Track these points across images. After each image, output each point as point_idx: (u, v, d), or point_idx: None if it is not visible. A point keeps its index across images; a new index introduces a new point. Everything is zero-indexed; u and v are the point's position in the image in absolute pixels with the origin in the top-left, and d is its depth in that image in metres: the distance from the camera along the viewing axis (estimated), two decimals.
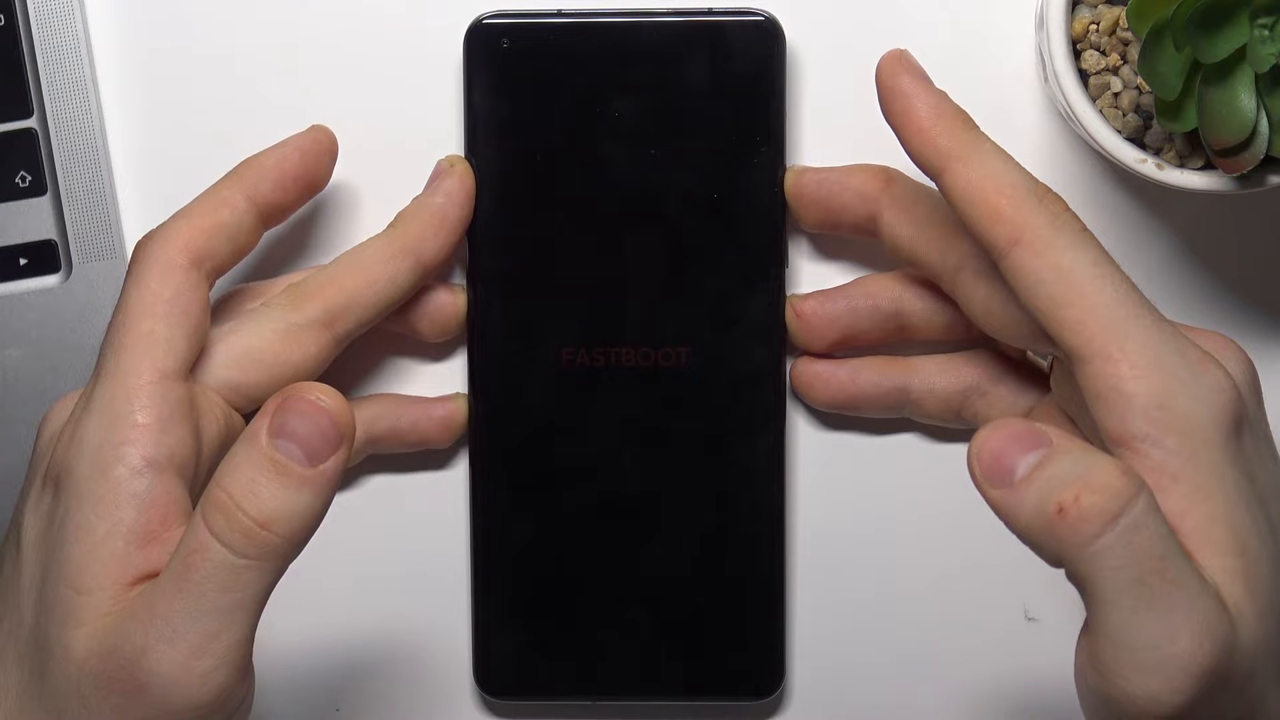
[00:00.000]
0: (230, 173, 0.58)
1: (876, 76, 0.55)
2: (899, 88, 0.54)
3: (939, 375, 0.61)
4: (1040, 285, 0.52)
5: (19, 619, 0.53)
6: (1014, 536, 0.50)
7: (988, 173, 0.53)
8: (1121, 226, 0.62)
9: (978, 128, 0.54)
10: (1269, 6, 0.53)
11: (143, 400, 0.53)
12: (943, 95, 0.54)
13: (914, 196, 0.59)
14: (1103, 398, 0.51)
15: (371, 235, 0.60)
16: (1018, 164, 0.54)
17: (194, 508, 0.51)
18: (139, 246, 0.56)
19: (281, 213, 0.58)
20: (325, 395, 0.50)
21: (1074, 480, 0.48)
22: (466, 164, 0.60)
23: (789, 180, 0.60)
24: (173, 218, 0.56)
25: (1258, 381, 0.54)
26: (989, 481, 0.49)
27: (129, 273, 0.55)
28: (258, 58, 0.62)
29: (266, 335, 0.57)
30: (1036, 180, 0.54)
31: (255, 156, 0.58)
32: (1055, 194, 0.53)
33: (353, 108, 0.62)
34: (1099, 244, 0.53)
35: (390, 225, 0.60)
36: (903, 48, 0.55)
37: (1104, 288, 0.52)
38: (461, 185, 0.60)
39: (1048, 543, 0.49)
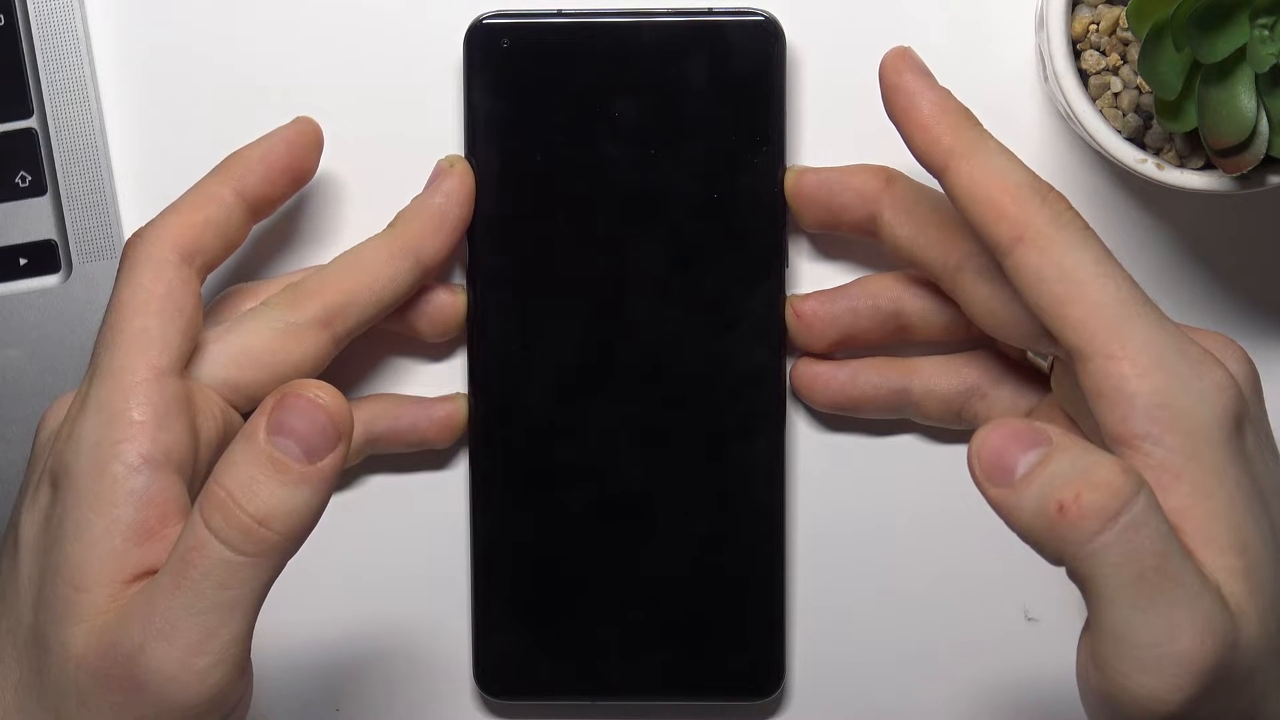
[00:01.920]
0: (217, 167, 0.58)
1: (880, 74, 0.55)
2: (902, 85, 0.54)
3: (939, 377, 0.61)
4: (1043, 283, 0.52)
5: (17, 617, 0.53)
6: (1014, 536, 0.50)
7: (991, 170, 0.53)
8: (1121, 226, 0.62)
9: (981, 125, 0.54)
10: (1269, 6, 0.53)
11: (139, 397, 0.53)
12: (946, 93, 0.55)
13: (914, 197, 0.59)
14: (1104, 396, 0.51)
15: (372, 235, 0.60)
16: (1021, 161, 0.54)
17: (192, 505, 0.51)
18: (129, 244, 0.56)
19: (270, 205, 0.59)
20: (323, 392, 0.50)
21: (1074, 478, 0.48)
22: (466, 164, 0.60)
23: (789, 180, 0.60)
24: (162, 214, 0.56)
25: (1259, 382, 0.54)
26: (989, 480, 0.49)
27: (120, 270, 0.55)
28: (258, 58, 0.62)
29: (265, 334, 0.57)
30: (1040, 178, 0.54)
31: (241, 150, 0.58)
32: (1058, 192, 0.53)
33: (353, 108, 0.62)
34: (1101, 242, 0.53)
35: (390, 225, 0.60)
36: (906, 45, 0.55)
37: (1106, 286, 0.52)
38: (461, 185, 0.60)
39: (1048, 541, 0.49)
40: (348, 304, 0.58)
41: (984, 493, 0.50)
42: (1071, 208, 0.53)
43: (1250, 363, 0.54)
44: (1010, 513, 0.49)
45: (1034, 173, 0.54)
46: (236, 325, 0.57)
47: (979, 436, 0.50)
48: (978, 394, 0.61)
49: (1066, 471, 0.49)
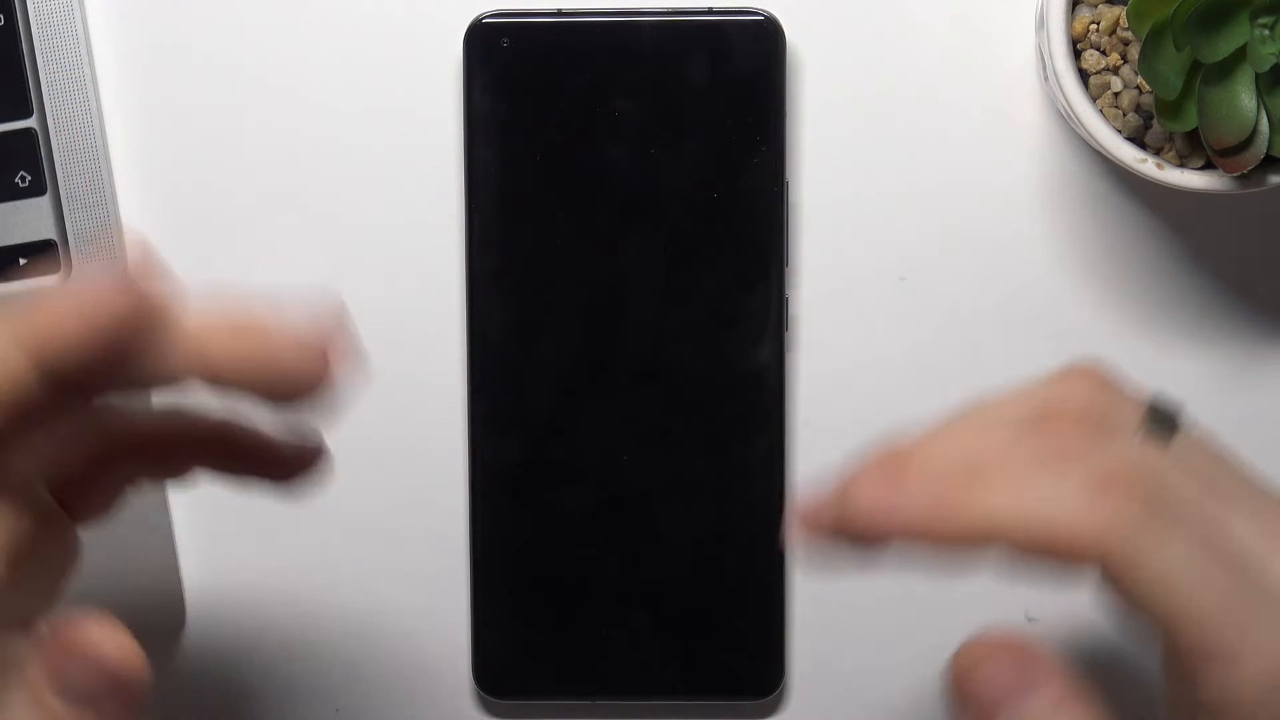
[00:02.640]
0: None
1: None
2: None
3: None
4: (1145, 599, 0.45)
5: None
6: None
7: (1035, 515, 0.46)
8: (1121, 226, 0.62)
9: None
10: (1269, 6, 0.53)
11: None
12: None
13: None
14: (1203, 701, 0.45)
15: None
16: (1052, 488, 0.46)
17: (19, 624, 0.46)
18: None
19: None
20: (104, 636, 0.44)
21: None
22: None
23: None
24: None
25: None
26: (963, 708, 0.45)
27: None
28: (258, 58, 0.62)
29: None
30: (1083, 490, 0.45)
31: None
32: (1117, 485, 0.45)
33: (353, 107, 0.62)
34: (1185, 530, 0.45)
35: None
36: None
37: (1208, 586, 0.45)
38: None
39: None
40: None
41: (954, 713, 0.45)
42: (1134, 498, 0.45)
43: None
44: None
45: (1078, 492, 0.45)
46: None
47: (970, 646, 0.45)
48: None
49: None
